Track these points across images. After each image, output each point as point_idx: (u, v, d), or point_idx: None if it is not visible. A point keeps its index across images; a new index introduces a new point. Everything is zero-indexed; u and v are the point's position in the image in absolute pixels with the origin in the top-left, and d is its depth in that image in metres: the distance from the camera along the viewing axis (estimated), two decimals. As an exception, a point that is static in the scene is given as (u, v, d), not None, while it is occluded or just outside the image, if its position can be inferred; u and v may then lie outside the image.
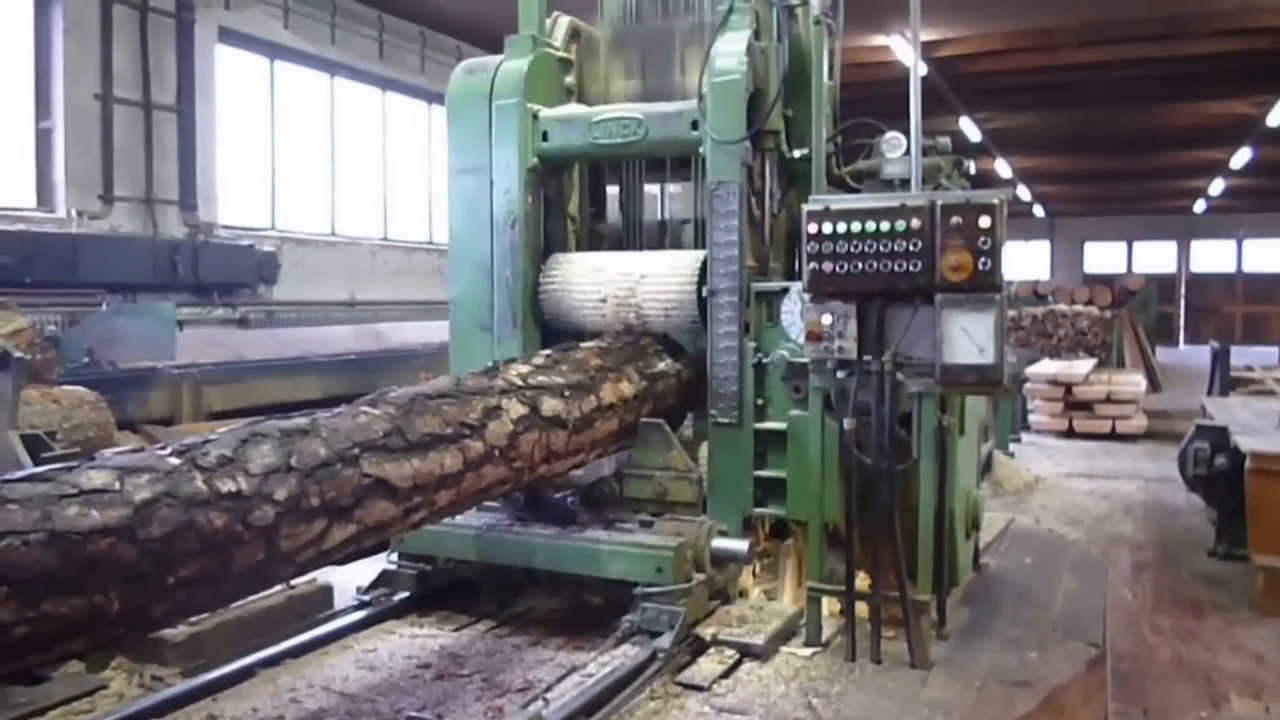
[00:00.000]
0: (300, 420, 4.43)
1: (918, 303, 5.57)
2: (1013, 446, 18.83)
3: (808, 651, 5.88)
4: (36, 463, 5.78)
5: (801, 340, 6.11)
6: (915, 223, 5.49)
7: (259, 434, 4.17)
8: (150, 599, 3.53)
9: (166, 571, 3.53)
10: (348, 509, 4.34)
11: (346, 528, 4.36)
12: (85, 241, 18.92)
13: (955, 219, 5.42)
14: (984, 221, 5.39)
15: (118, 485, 3.50)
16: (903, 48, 25.44)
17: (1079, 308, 29.92)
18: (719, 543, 6.14)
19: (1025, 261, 63.16)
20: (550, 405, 5.81)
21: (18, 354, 5.87)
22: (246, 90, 24.51)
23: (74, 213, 19.53)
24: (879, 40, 25.78)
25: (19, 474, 3.47)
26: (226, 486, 3.81)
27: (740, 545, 6.18)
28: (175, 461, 3.76)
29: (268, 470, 4.01)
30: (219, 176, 23.03)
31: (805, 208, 5.80)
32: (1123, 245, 66.32)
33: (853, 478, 5.82)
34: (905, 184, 6.18)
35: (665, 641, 5.58)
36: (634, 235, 7.73)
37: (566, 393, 5.99)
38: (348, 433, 4.51)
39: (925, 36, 25.53)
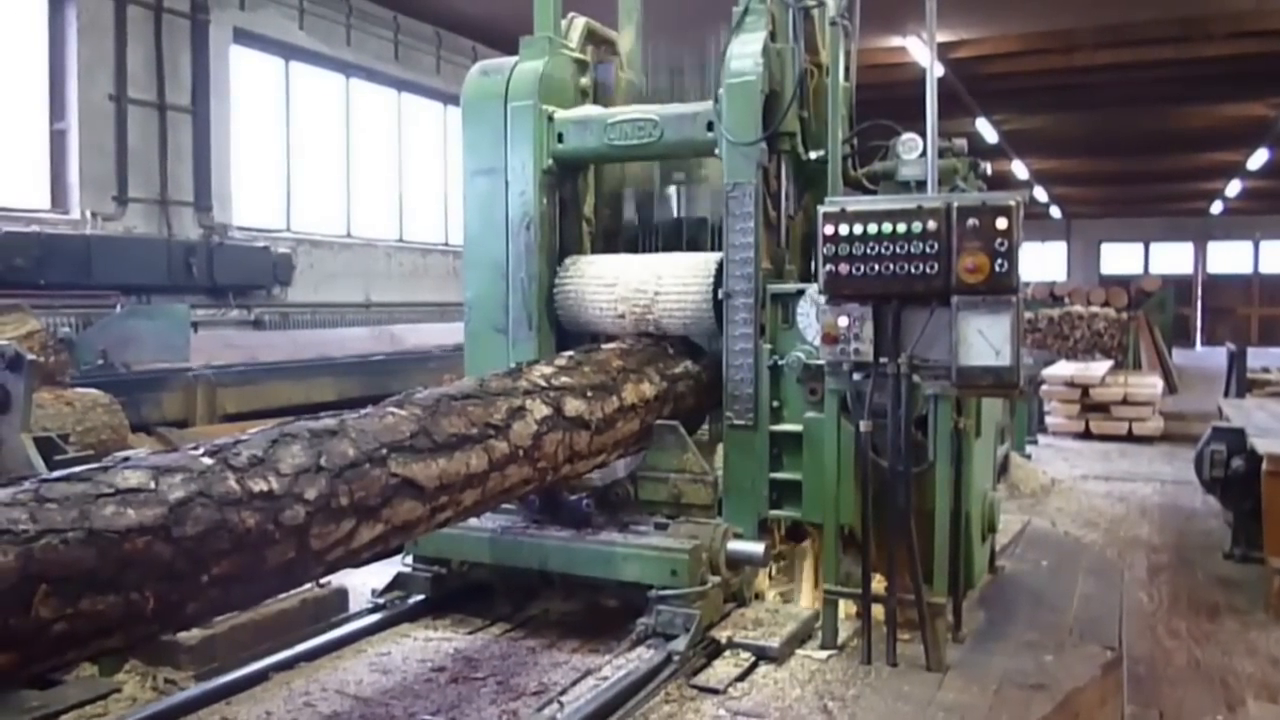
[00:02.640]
0: (329, 421, 4.49)
1: (934, 305, 5.55)
2: (1029, 448, 18.80)
3: (823, 654, 5.87)
4: (49, 465, 5.78)
5: (817, 342, 6.10)
6: (931, 224, 5.48)
7: (289, 434, 4.23)
8: (185, 596, 3.59)
9: (201, 569, 3.59)
10: (376, 509, 4.39)
11: (375, 527, 4.41)
12: (99, 243, 18.90)
13: (972, 221, 5.41)
14: (1000, 223, 5.37)
15: (153, 485, 3.55)
16: (919, 49, 25.40)
17: (1095, 309, 29.89)
18: (734, 545, 6.14)
19: (1042, 263, 63.06)
20: (573, 406, 5.83)
21: (30, 356, 5.85)
22: (261, 91, 24.49)
23: (88, 214, 19.48)
24: (895, 41, 25.75)
25: (57, 474, 3.52)
26: (258, 486, 3.87)
27: (756, 548, 6.17)
28: (208, 461, 3.81)
29: (298, 470, 4.06)
30: (234, 178, 22.99)
31: (821, 209, 5.80)
32: (1139, 247, 66.22)
33: (868, 480, 5.81)
34: (921, 186, 6.17)
35: (680, 644, 5.58)
36: (649, 236, 7.71)
37: (589, 393, 6.02)
38: (375, 433, 4.56)
39: (942, 38, 25.50)
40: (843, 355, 5.75)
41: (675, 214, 7.81)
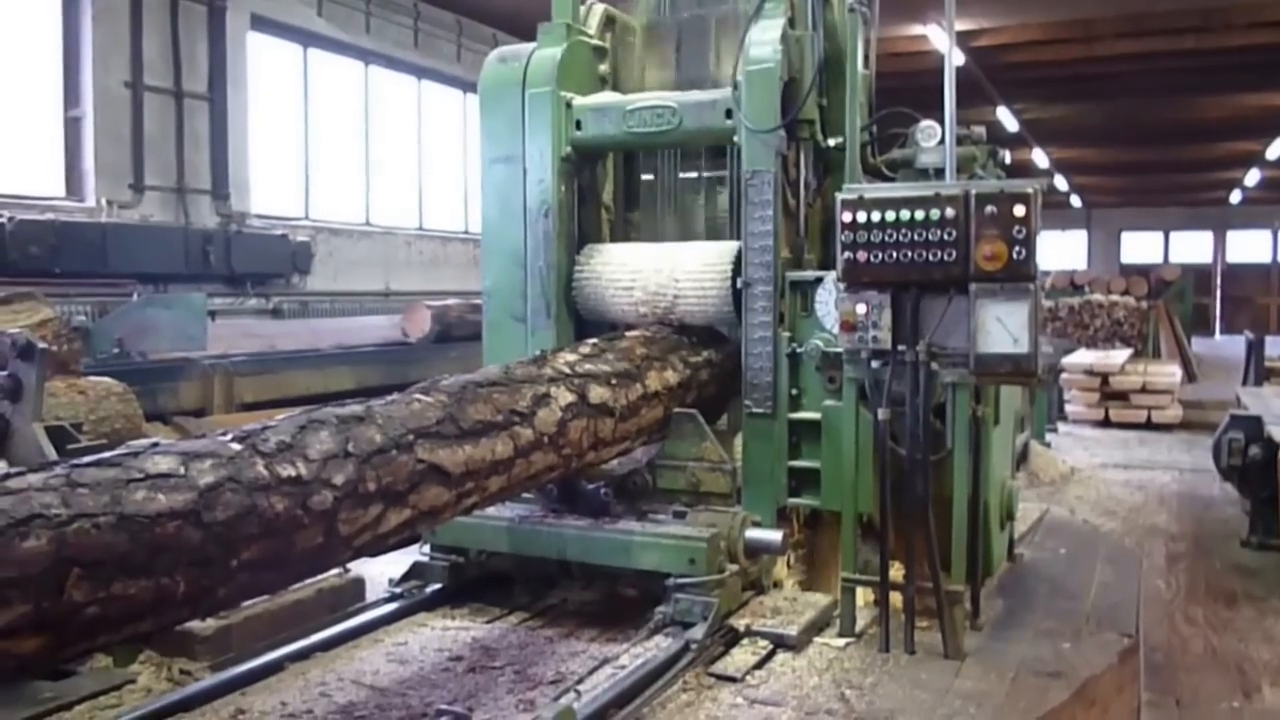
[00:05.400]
0: (356, 407, 4.54)
1: (952, 292, 5.54)
2: (1049, 437, 18.81)
3: (841, 642, 5.86)
4: (61, 455, 5.76)
5: (836, 330, 6.08)
6: (950, 212, 5.47)
7: (316, 421, 4.28)
8: (215, 581, 3.63)
9: (230, 554, 3.63)
10: (403, 494, 4.44)
11: (402, 512, 4.45)
12: (115, 231, 18.85)
13: (990, 208, 5.40)
14: (1018, 210, 5.36)
15: (183, 470, 3.59)
16: (940, 37, 25.35)
17: (1115, 298, 29.84)
18: (752, 533, 6.12)
19: (1063, 252, 63.02)
20: (598, 393, 5.86)
21: (42, 344, 5.85)
22: (280, 78, 24.47)
23: (104, 202, 19.49)
24: (916, 30, 25.73)
25: (87, 459, 3.54)
26: (287, 471, 3.91)
27: (774, 536, 6.15)
28: (237, 447, 3.86)
29: (326, 456, 4.11)
30: (252, 166, 22.98)
31: (839, 197, 5.78)
32: (1159, 236, 66.22)
33: (887, 468, 5.79)
34: (940, 173, 6.14)
35: (698, 633, 5.57)
36: (669, 224, 7.68)
37: (613, 381, 6.04)
38: (402, 420, 4.61)
39: (962, 26, 25.51)
40: (861, 343, 5.74)
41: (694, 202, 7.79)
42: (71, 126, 19.73)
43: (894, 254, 5.59)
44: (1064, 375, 21.65)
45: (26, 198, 18.50)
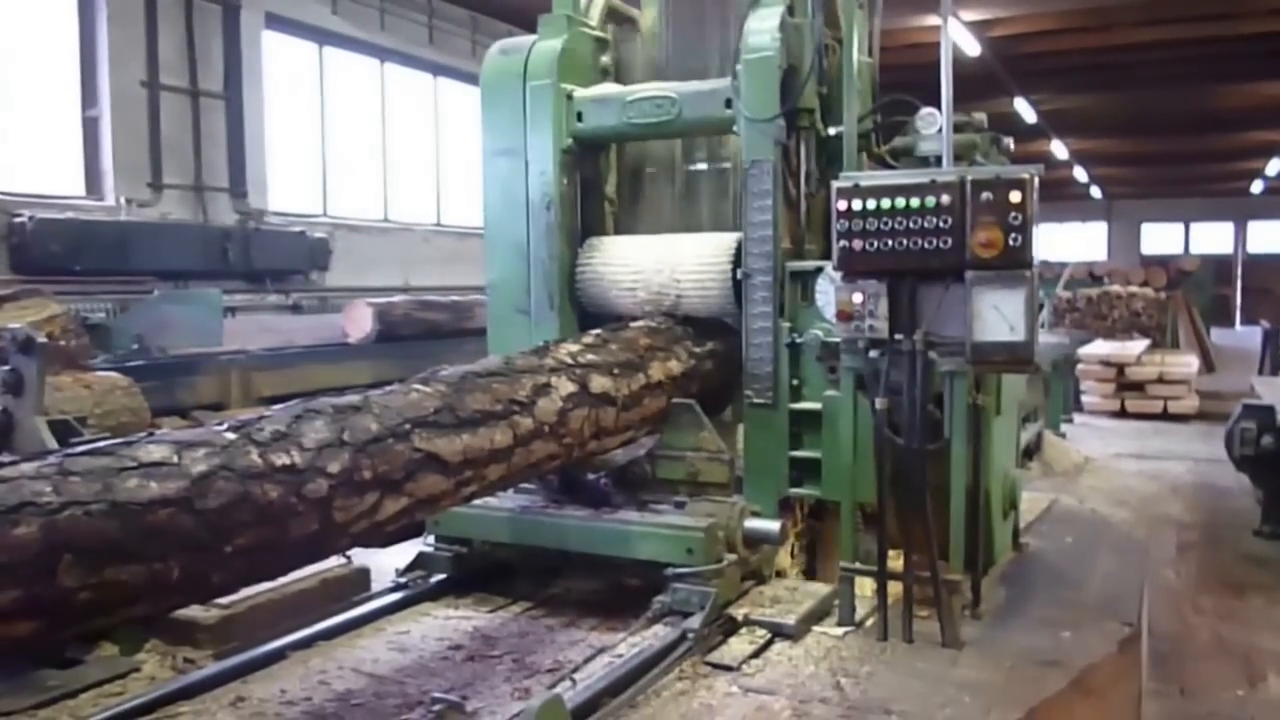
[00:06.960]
0: (353, 398, 4.59)
1: (949, 281, 5.52)
2: (1064, 427, 18.79)
3: (840, 631, 5.86)
4: (64, 448, 5.79)
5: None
6: (945, 199, 5.43)
7: (312, 410, 4.33)
8: (210, 566, 3.70)
9: (224, 541, 3.69)
10: (399, 482, 4.48)
11: (399, 500, 4.49)
12: (135, 229, 19.03)
13: (985, 195, 5.37)
14: (1014, 197, 5.33)
15: (175, 459, 3.66)
16: (956, 28, 25.30)
17: (1134, 289, 29.75)
18: (751, 523, 6.12)
19: (1083, 243, 62.90)
20: (599, 383, 5.89)
21: (40, 338, 5.87)
22: (295, 76, 24.54)
23: (123, 200, 19.61)
24: (932, 21, 25.66)
25: (80, 448, 3.62)
26: (281, 460, 3.96)
27: (772, 526, 6.16)
28: (231, 436, 3.92)
29: (321, 445, 4.15)
30: (269, 163, 23.10)
31: (834, 185, 5.76)
32: (1180, 227, 66.08)
33: (884, 458, 5.78)
34: (941, 161, 6.13)
35: (695, 622, 5.57)
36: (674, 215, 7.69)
37: (615, 371, 6.06)
38: (399, 409, 4.66)
39: (978, 15, 25.47)
40: (858, 332, 5.72)
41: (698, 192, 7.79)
42: (89, 126, 19.86)
43: (890, 242, 5.56)
44: (1080, 366, 21.64)
45: (47, 197, 18.66)
